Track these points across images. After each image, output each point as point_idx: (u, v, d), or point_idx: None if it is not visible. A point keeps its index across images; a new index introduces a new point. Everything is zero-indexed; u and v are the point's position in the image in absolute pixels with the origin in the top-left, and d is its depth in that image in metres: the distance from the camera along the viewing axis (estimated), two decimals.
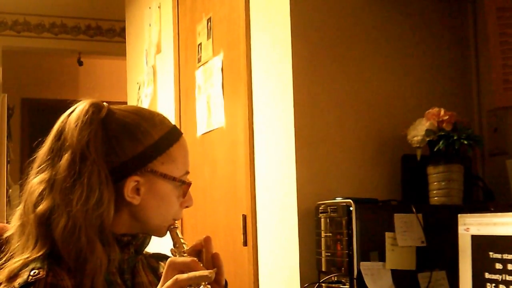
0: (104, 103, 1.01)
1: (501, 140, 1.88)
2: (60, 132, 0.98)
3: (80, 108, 0.99)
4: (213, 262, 0.94)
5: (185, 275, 0.85)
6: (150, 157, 0.98)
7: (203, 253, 0.95)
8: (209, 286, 0.88)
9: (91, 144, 0.95)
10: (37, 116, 5.26)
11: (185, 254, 0.94)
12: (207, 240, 0.95)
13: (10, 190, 4.09)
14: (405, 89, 1.95)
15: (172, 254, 0.96)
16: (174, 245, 0.98)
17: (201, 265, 0.89)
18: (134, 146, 0.97)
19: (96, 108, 0.99)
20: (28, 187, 0.97)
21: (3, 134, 4.23)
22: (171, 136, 1.01)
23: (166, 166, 0.99)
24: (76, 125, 0.96)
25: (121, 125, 0.99)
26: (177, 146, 1.01)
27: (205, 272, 0.86)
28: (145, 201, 0.98)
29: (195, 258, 0.90)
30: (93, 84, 5.66)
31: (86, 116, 0.97)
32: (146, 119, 1.00)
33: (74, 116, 0.98)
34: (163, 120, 1.03)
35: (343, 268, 1.59)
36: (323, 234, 1.67)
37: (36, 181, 0.97)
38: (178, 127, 3.07)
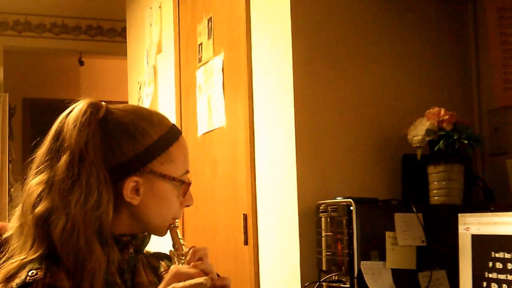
0: (103, 103, 1.01)
1: (501, 140, 1.88)
2: (59, 133, 0.97)
3: (78, 108, 0.98)
4: (221, 281, 0.94)
5: (181, 284, 0.86)
6: (149, 157, 0.97)
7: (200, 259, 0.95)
8: None
9: (90, 145, 0.95)
10: (38, 115, 5.27)
11: (183, 257, 0.94)
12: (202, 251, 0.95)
13: (12, 189, 4.10)
14: (406, 89, 1.95)
15: (171, 256, 0.96)
16: (173, 246, 0.98)
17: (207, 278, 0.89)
18: (132, 146, 0.97)
19: (94, 108, 0.98)
20: (27, 188, 0.97)
21: (5, 133, 4.24)
22: (170, 135, 1.00)
23: (166, 166, 0.98)
24: (75, 126, 0.95)
25: (119, 125, 0.98)
26: (177, 145, 1.01)
27: (200, 279, 0.86)
28: (145, 201, 0.98)
29: (199, 271, 0.89)
30: (94, 84, 5.67)
31: (85, 117, 0.96)
32: (144, 119, 1.00)
33: (72, 116, 0.97)
34: (162, 119, 1.02)
35: (343, 267, 1.59)
36: (323, 234, 1.67)
37: (34, 182, 0.96)
38: (179, 127, 3.06)
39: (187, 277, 0.88)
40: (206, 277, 0.87)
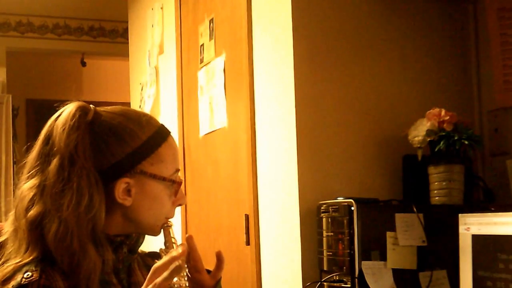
0: (91, 106, 1.01)
1: (502, 141, 1.89)
2: (48, 137, 0.98)
3: (67, 112, 0.99)
4: (216, 259, 0.98)
5: (160, 277, 0.87)
6: (139, 158, 0.98)
7: (190, 253, 0.97)
8: (186, 282, 0.90)
9: (79, 148, 0.95)
10: (41, 116, 5.27)
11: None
12: (189, 238, 0.97)
13: (16, 190, 4.11)
14: (406, 89, 1.96)
15: (160, 254, 0.97)
16: (164, 244, 0.99)
17: (180, 260, 0.90)
18: (122, 148, 0.98)
19: (82, 111, 0.99)
20: (19, 193, 0.98)
21: (9, 134, 4.25)
22: (158, 136, 1.01)
23: (156, 166, 0.99)
24: (64, 130, 0.96)
25: (108, 128, 0.99)
26: (166, 145, 1.01)
27: (175, 264, 0.87)
28: (137, 202, 0.99)
29: (174, 257, 0.90)
30: (96, 84, 5.68)
31: (73, 120, 0.97)
32: (132, 120, 1.00)
33: (61, 120, 0.98)
34: (150, 120, 1.03)
35: (344, 267, 1.60)
36: (324, 234, 1.68)
37: (26, 186, 0.97)
38: (181, 127, 3.05)
39: (164, 267, 0.88)
40: (179, 260, 0.88)
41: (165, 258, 0.90)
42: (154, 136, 1.01)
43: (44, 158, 0.97)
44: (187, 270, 0.96)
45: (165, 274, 0.87)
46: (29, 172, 0.99)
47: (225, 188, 2.30)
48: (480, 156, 1.92)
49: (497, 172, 1.87)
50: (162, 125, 1.04)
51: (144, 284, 0.89)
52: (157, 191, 1.00)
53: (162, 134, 1.02)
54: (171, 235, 1.00)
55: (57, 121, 0.98)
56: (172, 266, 0.87)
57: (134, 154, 0.98)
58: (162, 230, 1.02)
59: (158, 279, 0.87)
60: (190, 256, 0.98)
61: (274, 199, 1.95)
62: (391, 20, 1.97)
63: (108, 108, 1.03)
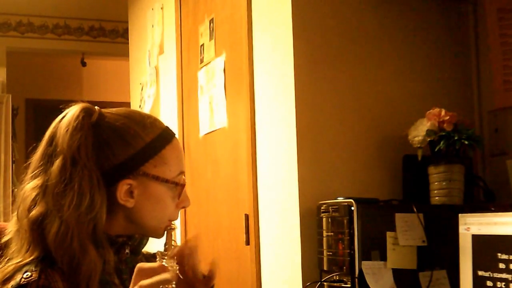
0: (96, 107, 1.02)
1: (502, 141, 1.89)
2: (52, 138, 0.99)
3: (71, 113, 0.99)
4: (209, 268, 0.99)
5: (148, 280, 0.86)
6: (142, 160, 0.98)
7: (185, 258, 0.97)
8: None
9: (82, 149, 0.96)
10: (41, 116, 5.29)
11: (166, 257, 0.95)
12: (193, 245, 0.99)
13: (16, 190, 4.11)
14: (406, 89, 1.96)
15: (157, 256, 0.97)
16: (164, 246, 0.99)
17: (171, 269, 0.90)
18: (125, 149, 0.98)
19: (86, 112, 0.99)
20: (22, 193, 0.98)
21: (8, 134, 4.25)
22: (162, 138, 1.01)
23: (159, 168, 0.99)
24: (67, 131, 0.97)
25: (111, 129, 0.99)
26: (169, 148, 1.01)
27: (166, 275, 0.87)
28: (140, 203, 0.99)
29: (163, 264, 0.91)
30: (96, 84, 5.68)
31: (77, 121, 0.97)
32: (136, 122, 1.01)
33: (65, 121, 0.98)
34: (154, 122, 1.03)
35: (344, 267, 1.60)
36: (324, 234, 1.68)
37: (29, 187, 0.98)
38: (181, 127, 3.06)
39: (151, 271, 0.88)
40: (173, 274, 0.88)
41: (156, 264, 0.90)
42: (158, 138, 1.01)
43: (47, 158, 0.98)
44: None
45: (154, 279, 0.86)
46: (32, 173, 0.99)
47: (225, 188, 2.30)
48: (480, 156, 1.92)
49: (497, 172, 1.87)
50: (167, 127, 1.04)
51: (131, 285, 0.89)
52: (160, 193, 1.00)
53: (166, 136, 1.02)
54: (173, 238, 1.00)
55: (61, 123, 0.99)
56: (164, 276, 0.86)
57: (136, 156, 0.98)
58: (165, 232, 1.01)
59: (145, 283, 0.86)
60: (188, 259, 0.98)
61: (274, 199, 1.95)
62: (391, 20, 1.97)
63: (113, 109, 1.03)
